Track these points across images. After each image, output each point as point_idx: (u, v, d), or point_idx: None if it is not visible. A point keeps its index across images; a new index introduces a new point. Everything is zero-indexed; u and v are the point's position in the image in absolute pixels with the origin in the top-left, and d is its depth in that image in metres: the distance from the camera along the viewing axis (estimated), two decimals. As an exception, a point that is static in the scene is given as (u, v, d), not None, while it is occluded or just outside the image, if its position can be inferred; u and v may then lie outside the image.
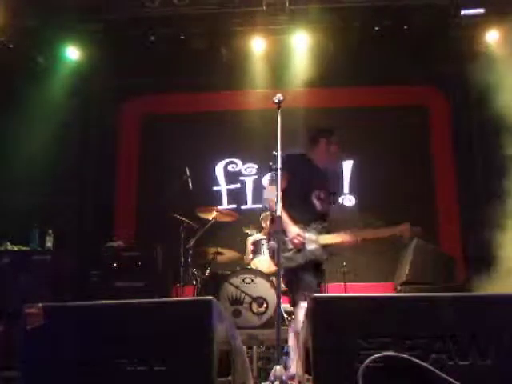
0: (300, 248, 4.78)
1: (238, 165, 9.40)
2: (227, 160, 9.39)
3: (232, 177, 9.34)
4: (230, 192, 9.31)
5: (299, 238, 4.76)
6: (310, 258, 4.81)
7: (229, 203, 9.22)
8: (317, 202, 5.03)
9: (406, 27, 7.82)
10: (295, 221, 4.83)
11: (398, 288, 7.21)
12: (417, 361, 2.68)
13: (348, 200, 9.14)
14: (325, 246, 4.88)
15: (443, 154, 9.15)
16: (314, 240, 4.84)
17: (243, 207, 9.18)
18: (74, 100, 9.12)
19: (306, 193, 5.03)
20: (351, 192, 9.17)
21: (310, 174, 5.11)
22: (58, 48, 8.59)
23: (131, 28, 8.17)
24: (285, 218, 4.68)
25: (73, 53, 8.63)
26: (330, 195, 5.13)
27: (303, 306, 4.44)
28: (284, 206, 4.22)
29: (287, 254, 4.75)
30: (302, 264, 4.79)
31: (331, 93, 9.44)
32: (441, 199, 9.03)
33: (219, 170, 9.34)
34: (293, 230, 4.78)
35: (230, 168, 9.36)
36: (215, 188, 9.33)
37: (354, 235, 4.85)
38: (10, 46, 8.39)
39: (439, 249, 7.86)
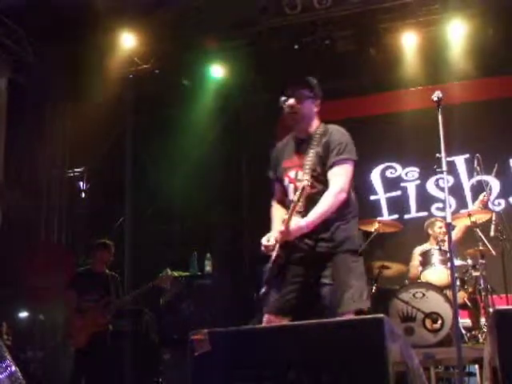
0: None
1: (397, 170, 9.18)
2: (384, 165, 9.19)
3: (391, 183, 9.14)
4: (389, 200, 9.11)
5: (266, 242, 4.21)
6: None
7: (389, 213, 9.02)
8: (289, 187, 4.12)
9: None
10: None
11: None
12: None
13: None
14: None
15: None
16: None
17: (407, 216, 8.95)
18: (224, 118, 9.46)
19: (281, 180, 4.22)
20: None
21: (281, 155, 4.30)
22: (203, 68, 8.98)
23: (274, 38, 8.34)
24: (272, 218, 4.31)
25: (217, 71, 8.98)
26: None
27: None
28: None
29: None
30: None
31: (496, 83, 9.03)
32: None
33: (375, 176, 9.18)
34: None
35: (389, 174, 9.16)
36: (372, 197, 9.18)
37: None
38: (157, 71, 8.91)
39: None
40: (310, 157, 3.98)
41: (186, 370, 3.24)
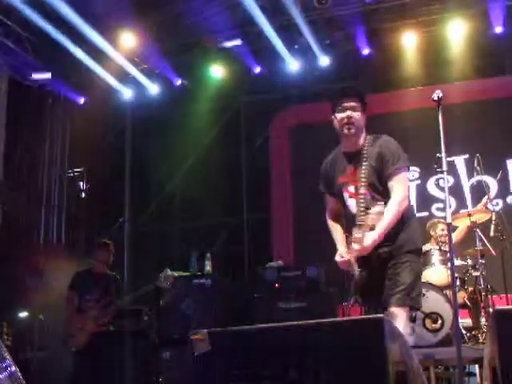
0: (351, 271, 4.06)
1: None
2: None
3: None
4: None
5: (340, 258, 4.09)
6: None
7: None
8: (350, 201, 4.17)
9: None
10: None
11: None
12: None
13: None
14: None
15: None
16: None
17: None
18: (224, 118, 9.47)
19: (339, 195, 4.27)
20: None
21: (333, 170, 4.33)
22: (203, 68, 8.98)
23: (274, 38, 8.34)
24: (334, 235, 4.36)
25: (217, 71, 8.99)
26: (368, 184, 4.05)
27: None
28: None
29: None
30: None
31: (496, 83, 9.02)
32: None
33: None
34: (338, 248, 4.22)
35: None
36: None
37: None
38: (156, 71, 8.91)
39: None
40: (364, 169, 4.07)
41: (186, 370, 3.24)
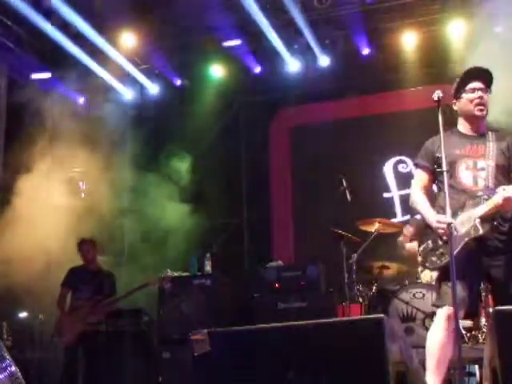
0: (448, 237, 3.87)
1: (408, 165, 8.97)
2: (396, 158, 9.03)
3: (403, 179, 8.84)
4: (403, 199, 8.81)
5: (439, 224, 3.92)
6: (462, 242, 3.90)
7: (403, 213, 8.79)
8: (464, 173, 4.09)
9: None
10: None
11: None
12: None
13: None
14: (483, 220, 3.86)
15: None
16: (467, 219, 3.93)
17: (419, 217, 8.81)
18: (224, 118, 9.46)
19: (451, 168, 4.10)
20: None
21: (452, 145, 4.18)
22: (203, 68, 8.98)
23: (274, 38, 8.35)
24: (424, 206, 4.21)
25: (217, 71, 8.99)
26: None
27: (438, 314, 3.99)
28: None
29: (440, 251, 4.00)
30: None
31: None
32: None
33: (388, 170, 9.05)
34: (431, 215, 4.08)
35: (401, 168, 8.97)
36: (386, 195, 9.04)
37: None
38: (156, 71, 8.91)
39: None
40: (493, 150, 4.05)
41: (186, 370, 3.24)
